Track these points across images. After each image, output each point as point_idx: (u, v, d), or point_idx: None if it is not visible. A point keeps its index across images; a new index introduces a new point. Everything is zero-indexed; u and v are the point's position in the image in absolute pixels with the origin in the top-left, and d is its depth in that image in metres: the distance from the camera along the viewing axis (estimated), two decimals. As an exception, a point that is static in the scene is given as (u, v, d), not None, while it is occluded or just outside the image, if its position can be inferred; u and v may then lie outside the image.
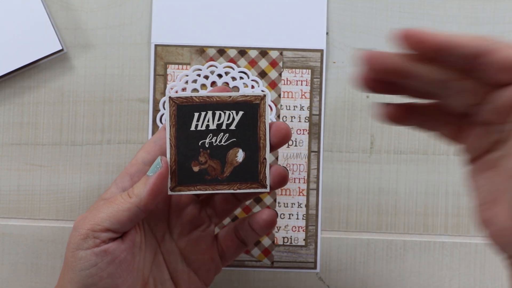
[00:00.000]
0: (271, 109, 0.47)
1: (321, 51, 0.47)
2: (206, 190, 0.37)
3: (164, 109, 0.46)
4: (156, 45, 0.47)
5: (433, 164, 0.47)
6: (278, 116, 0.47)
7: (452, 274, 0.47)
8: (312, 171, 0.47)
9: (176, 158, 0.37)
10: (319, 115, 0.47)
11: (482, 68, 0.27)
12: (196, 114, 0.37)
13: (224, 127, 0.36)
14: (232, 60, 0.47)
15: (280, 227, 0.47)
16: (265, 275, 0.47)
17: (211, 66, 0.47)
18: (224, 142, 0.36)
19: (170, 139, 0.37)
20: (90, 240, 0.35)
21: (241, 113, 0.36)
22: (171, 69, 0.47)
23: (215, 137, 0.36)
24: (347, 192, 0.47)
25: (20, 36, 0.45)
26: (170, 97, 0.37)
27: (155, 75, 0.47)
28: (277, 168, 0.38)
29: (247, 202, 0.46)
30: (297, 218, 0.47)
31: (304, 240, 0.47)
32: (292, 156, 0.47)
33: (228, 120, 0.36)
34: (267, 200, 0.47)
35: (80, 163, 0.47)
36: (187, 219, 0.40)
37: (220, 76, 0.47)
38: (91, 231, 0.35)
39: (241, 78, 0.47)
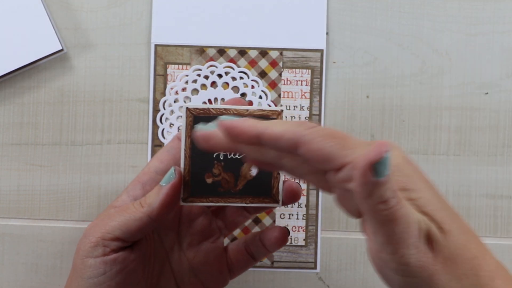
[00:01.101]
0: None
1: (321, 51, 0.47)
2: (218, 202, 0.37)
3: (164, 109, 0.46)
4: (156, 45, 0.47)
5: (433, 164, 0.47)
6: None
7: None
8: (312, 171, 0.47)
9: (190, 169, 0.36)
10: (319, 115, 0.47)
11: (302, 156, 0.27)
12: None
13: None
14: (232, 60, 0.47)
15: (280, 227, 0.47)
16: (265, 275, 0.47)
17: (211, 66, 0.47)
18: (239, 155, 0.36)
19: (185, 149, 0.36)
20: (100, 248, 0.35)
21: None
22: (171, 69, 0.47)
23: None
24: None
25: (20, 36, 0.45)
26: (187, 108, 0.36)
27: (155, 75, 0.47)
28: (290, 184, 0.37)
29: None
30: (297, 218, 0.47)
31: (304, 240, 0.47)
32: (292, 156, 0.47)
33: None
34: (267, 200, 0.47)
35: (80, 163, 0.47)
36: (197, 230, 0.39)
37: (220, 76, 0.47)
38: (101, 239, 0.35)
39: (241, 78, 0.47)
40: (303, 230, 0.47)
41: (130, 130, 0.47)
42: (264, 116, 0.36)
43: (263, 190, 0.37)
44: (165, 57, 0.47)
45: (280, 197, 0.38)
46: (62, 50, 0.46)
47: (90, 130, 0.47)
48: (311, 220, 0.47)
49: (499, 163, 0.47)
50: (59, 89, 0.47)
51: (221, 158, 0.36)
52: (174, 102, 0.46)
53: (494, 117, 0.47)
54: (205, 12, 0.47)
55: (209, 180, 0.37)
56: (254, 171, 0.37)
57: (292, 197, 0.38)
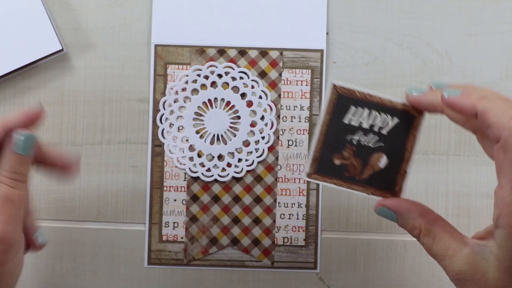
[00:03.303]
0: (271, 109, 0.47)
1: (321, 51, 0.47)
2: (341, 186, 0.36)
3: (165, 109, 0.46)
4: (156, 45, 0.47)
5: (433, 164, 0.47)
6: (278, 116, 0.47)
7: None
8: (312, 171, 0.47)
9: (322, 146, 0.36)
10: (319, 115, 0.47)
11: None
12: (353, 108, 0.36)
13: (376, 129, 0.35)
14: (232, 60, 0.47)
15: (280, 227, 0.47)
16: (265, 275, 0.47)
17: (211, 66, 0.47)
18: (372, 144, 0.35)
19: (321, 125, 0.36)
20: None
21: (396, 120, 0.35)
22: (171, 69, 0.47)
23: (365, 137, 0.35)
24: (347, 192, 0.47)
25: (20, 36, 0.45)
26: (334, 84, 0.36)
27: (155, 75, 0.47)
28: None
29: (247, 202, 0.46)
30: (297, 218, 0.47)
31: (304, 240, 0.47)
32: (292, 156, 0.47)
33: (382, 123, 0.35)
34: (267, 200, 0.47)
35: (80, 163, 0.47)
36: None
37: (220, 76, 0.47)
38: None
39: (241, 78, 0.47)
40: (303, 230, 0.47)
41: (130, 130, 0.47)
42: (406, 110, 0.35)
43: (387, 184, 0.36)
44: (165, 57, 0.47)
45: (402, 196, 0.37)
46: (62, 50, 0.46)
47: (90, 130, 0.47)
48: (311, 220, 0.47)
49: (499, 163, 0.47)
50: (59, 89, 0.47)
51: (354, 143, 0.35)
52: (174, 102, 0.46)
53: (494, 117, 0.47)
54: (205, 12, 0.47)
55: (337, 162, 0.36)
56: (382, 163, 0.36)
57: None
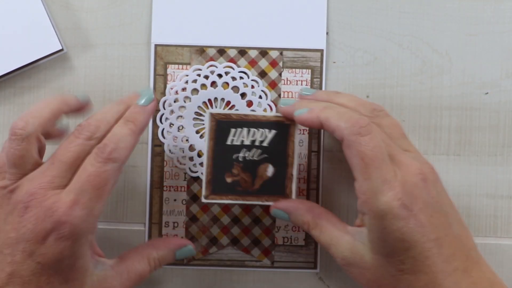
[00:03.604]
0: (271, 109, 0.47)
1: (321, 51, 0.47)
2: (237, 200, 0.40)
3: (165, 109, 0.46)
4: (156, 45, 0.47)
5: (433, 164, 0.47)
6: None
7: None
8: (312, 171, 0.47)
9: (212, 169, 0.41)
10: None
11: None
12: (233, 130, 0.40)
13: (257, 143, 0.39)
14: (232, 60, 0.47)
15: (280, 227, 0.47)
16: (265, 275, 0.47)
17: (211, 66, 0.47)
18: (256, 157, 0.39)
19: (208, 151, 0.41)
20: None
21: (273, 131, 0.39)
22: (171, 69, 0.47)
23: (248, 152, 0.39)
24: (347, 192, 0.47)
25: (20, 36, 0.45)
26: (211, 113, 0.41)
27: (155, 75, 0.47)
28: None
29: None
30: (297, 218, 0.47)
31: (304, 240, 0.47)
32: (292, 156, 0.47)
33: (261, 137, 0.39)
34: (267, 200, 0.47)
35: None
36: None
37: (220, 76, 0.47)
38: None
39: (241, 78, 0.47)
40: (303, 230, 0.47)
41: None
42: (280, 121, 0.40)
43: (278, 189, 0.41)
44: (165, 57, 0.47)
45: (294, 196, 0.41)
46: (62, 50, 0.46)
47: (90, 130, 0.47)
48: (311, 220, 0.47)
49: (499, 163, 0.47)
50: (59, 89, 0.47)
51: (240, 160, 0.39)
52: (174, 102, 0.47)
53: (494, 117, 0.47)
54: (205, 12, 0.47)
55: (229, 180, 0.40)
56: (270, 172, 0.41)
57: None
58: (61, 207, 0.35)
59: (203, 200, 0.40)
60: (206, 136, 0.41)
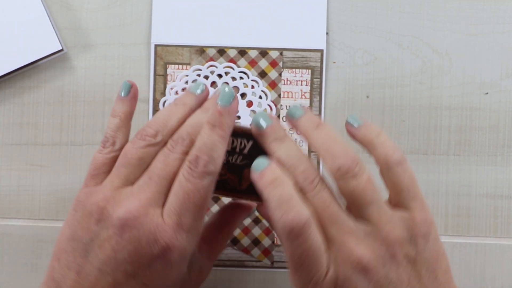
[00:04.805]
0: (271, 109, 0.47)
1: (321, 51, 0.47)
2: (227, 196, 0.39)
3: (164, 109, 0.46)
4: (156, 45, 0.47)
5: (433, 164, 0.47)
6: (278, 116, 0.47)
7: (452, 274, 0.47)
8: (312, 171, 0.46)
9: None
10: (319, 115, 0.47)
11: None
12: None
13: (238, 150, 0.38)
14: (232, 60, 0.47)
15: (280, 227, 0.47)
16: (265, 275, 0.47)
17: (211, 66, 0.47)
18: (239, 162, 0.38)
19: None
20: None
21: (251, 142, 0.38)
22: (171, 69, 0.47)
23: (231, 157, 0.38)
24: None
25: (20, 36, 0.45)
26: None
27: (155, 75, 0.47)
28: None
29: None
30: (297, 218, 0.47)
31: (304, 240, 0.47)
32: (292, 156, 0.47)
33: (241, 145, 0.38)
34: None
35: (80, 163, 0.47)
36: None
37: (220, 76, 0.47)
38: None
39: (241, 78, 0.47)
40: (303, 230, 0.47)
41: (130, 130, 0.47)
42: (246, 132, 0.39)
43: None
44: (165, 57, 0.47)
45: None
46: (62, 50, 0.46)
47: (90, 130, 0.47)
48: (311, 220, 0.47)
49: (499, 163, 0.47)
50: (59, 89, 0.47)
51: (225, 163, 0.38)
52: (174, 102, 0.47)
53: (494, 117, 0.47)
54: (205, 12, 0.47)
55: (217, 178, 0.39)
56: None
57: None
58: (167, 231, 0.32)
59: None
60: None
